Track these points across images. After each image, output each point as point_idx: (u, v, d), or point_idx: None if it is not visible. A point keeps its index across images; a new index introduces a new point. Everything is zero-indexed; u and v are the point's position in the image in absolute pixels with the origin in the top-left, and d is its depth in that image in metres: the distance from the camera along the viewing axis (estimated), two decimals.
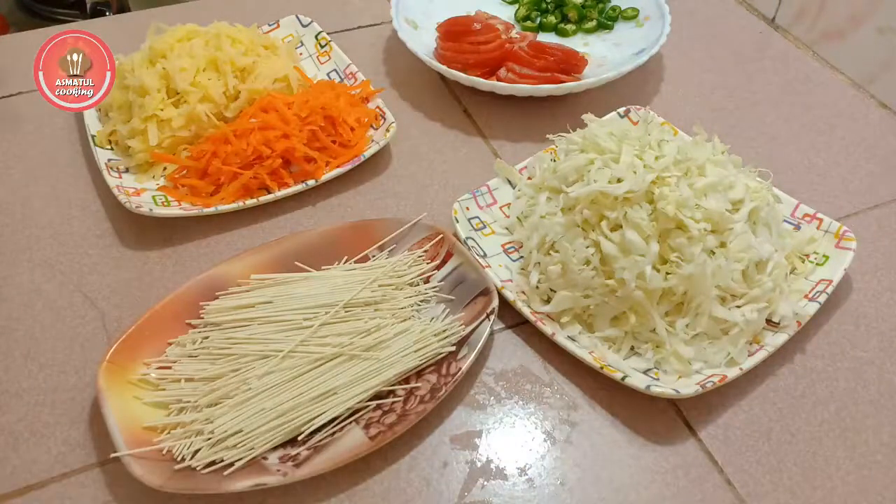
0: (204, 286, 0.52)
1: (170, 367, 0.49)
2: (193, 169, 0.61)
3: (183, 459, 0.44)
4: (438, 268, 0.55)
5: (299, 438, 0.46)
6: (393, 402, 0.48)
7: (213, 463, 0.44)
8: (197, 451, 0.45)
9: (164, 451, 0.45)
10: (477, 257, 0.54)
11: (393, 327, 0.50)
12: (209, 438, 0.45)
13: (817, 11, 0.78)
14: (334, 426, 0.46)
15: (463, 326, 0.51)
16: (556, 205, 0.53)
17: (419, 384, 0.49)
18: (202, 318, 0.51)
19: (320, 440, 0.46)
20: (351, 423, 0.47)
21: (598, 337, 0.51)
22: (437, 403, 0.47)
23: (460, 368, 0.48)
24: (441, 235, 0.56)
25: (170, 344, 0.50)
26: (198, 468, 0.44)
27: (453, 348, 0.50)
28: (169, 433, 0.46)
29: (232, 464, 0.44)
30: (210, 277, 0.53)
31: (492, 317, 0.50)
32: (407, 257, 0.55)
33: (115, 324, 0.53)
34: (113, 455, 0.43)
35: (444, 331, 0.51)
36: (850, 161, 0.67)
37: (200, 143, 0.63)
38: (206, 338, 0.50)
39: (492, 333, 0.52)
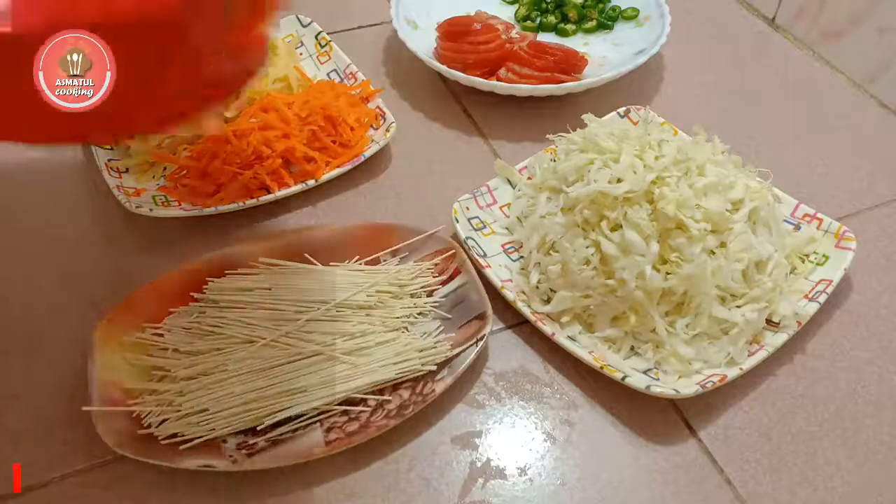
0: (216, 263, 0.53)
1: (162, 336, 0.50)
2: (193, 169, 0.61)
3: (149, 426, 0.45)
4: (444, 283, 0.54)
5: (258, 429, 0.46)
6: (360, 412, 0.48)
7: (174, 435, 0.45)
8: (164, 422, 0.45)
9: (133, 415, 0.45)
10: (477, 257, 0.54)
11: (379, 335, 0.50)
12: (178, 410, 0.46)
13: (817, 11, 0.78)
14: (298, 423, 0.46)
15: (450, 348, 0.50)
16: (556, 205, 0.53)
17: (390, 398, 0.48)
18: (205, 293, 0.52)
19: (280, 434, 0.46)
20: (315, 423, 0.47)
21: (598, 337, 0.51)
22: (401, 421, 0.46)
23: (434, 390, 0.48)
24: (453, 251, 0.55)
25: (170, 313, 0.51)
26: (158, 437, 0.45)
27: (434, 367, 0.49)
28: (143, 399, 0.47)
29: (191, 440, 0.45)
30: (224, 255, 0.54)
31: (480, 343, 0.49)
32: (413, 267, 0.55)
33: None
34: (84, 408, 0.44)
35: (431, 348, 0.50)
36: (850, 161, 0.67)
37: (200, 143, 0.63)
38: (203, 313, 0.51)
39: (477, 359, 0.50)
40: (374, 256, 0.56)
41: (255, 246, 0.55)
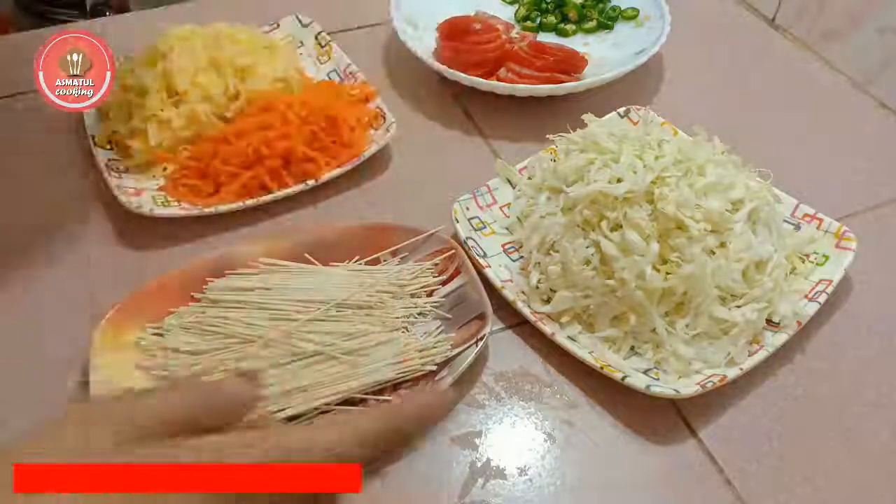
0: (216, 263, 0.54)
1: (163, 336, 0.50)
2: (193, 169, 0.61)
3: None
4: (444, 283, 0.54)
5: None
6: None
7: None
8: None
9: None
10: (477, 257, 0.54)
11: (379, 335, 0.50)
12: None
13: (817, 11, 0.78)
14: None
15: (451, 348, 0.50)
16: (556, 205, 0.53)
17: (390, 398, 0.48)
18: (205, 293, 0.52)
19: None
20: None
21: (598, 337, 0.51)
22: None
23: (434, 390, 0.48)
24: (454, 251, 0.55)
25: (170, 313, 0.51)
26: None
27: (434, 367, 0.49)
28: None
29: None
30: (224, 256, 0.54)
31: (480, 343, 0.49)
32: (413, 267, 0.55)
33: None
34: None
35: (431, 348, 0.50)
36: (850, 161, 0.67)
37: (201, 143, 0.63)
38: (203, 313, 0.51)
39: (477, 359, 0.50)
40: (374, 256, 0.56)
41: (255, 246, 0.55)
